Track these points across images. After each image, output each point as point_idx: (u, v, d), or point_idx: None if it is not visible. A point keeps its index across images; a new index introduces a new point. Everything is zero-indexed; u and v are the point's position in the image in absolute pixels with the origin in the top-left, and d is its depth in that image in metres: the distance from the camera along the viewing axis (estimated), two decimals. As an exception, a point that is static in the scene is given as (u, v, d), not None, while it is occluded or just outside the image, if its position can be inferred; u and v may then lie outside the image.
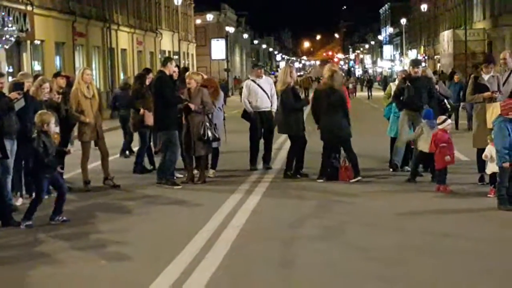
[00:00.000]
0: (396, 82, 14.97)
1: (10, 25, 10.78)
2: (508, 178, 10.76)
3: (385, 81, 63.71)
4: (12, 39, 10.84)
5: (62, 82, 13.73)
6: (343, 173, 13.65)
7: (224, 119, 15.13)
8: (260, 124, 15.45)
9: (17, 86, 12.04)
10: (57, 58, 38.90)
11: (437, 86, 14.69)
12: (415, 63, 14.71)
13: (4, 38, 10.70)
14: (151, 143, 15.88)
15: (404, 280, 7.37)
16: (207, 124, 13.62)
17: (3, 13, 11.52)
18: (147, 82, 15.38)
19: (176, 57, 56.37)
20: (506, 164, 10.53)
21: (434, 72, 23.21)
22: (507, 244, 8.84)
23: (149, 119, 14.65)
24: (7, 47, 10.64)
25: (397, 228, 9.81)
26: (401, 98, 13.88)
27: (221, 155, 15.04)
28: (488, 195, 11.55)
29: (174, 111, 13.48)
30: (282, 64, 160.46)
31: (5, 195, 10.69)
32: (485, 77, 12.95)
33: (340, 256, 8.34)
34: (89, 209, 11.67)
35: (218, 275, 7.60)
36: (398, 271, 7.70)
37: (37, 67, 34.93)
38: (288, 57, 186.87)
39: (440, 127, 12.57)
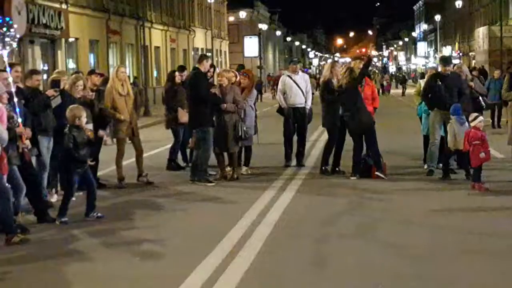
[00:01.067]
0: (426, 79, 14.81)
1: (12, 29, 10.85)
2: None
3: (421, 78, 63.35)
4: (14, 44, 10.90)
5: (96, 79, 13.77)
6: (376, 170, 13.59)
7: (256, 117, 15.11)
8: (293, 120, 15.44)
9: (54, 83, 12.14)
10: (91, 55, 39.15)
11: (472, 83, 14.52)
12: (445, 61, 14.56)
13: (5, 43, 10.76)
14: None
15: (437, 278, 7.31)
16: (239, 121, 13.67)
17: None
18: (183, 79, 15.36)
19: (209, 54, 56.32)
20: None
21: (473, 69, 23.09)
22: None
23: (183, 117, 14.72)
24: (7, 50, 10.68)
25: (431, 226, 9.73)
26: (430, 96, 13.78)
27: (254, 152, 15.04)
28: None
29: (208, 108, 13.50)
30: (315, 61, 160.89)
31: (41, 191, 10.80)
32: None
33: (372, 254, 8.31)
34: (123, 205, 11.75)
35: (250, 273, 7.60)
36: (431, 269, 7.64)
37: (71, 65, 35.20)
38: (321, 54, 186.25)
39: (472, 124, 12.46)
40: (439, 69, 14.26)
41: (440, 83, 13.58)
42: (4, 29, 10.83)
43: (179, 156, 15.60)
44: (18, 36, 11.54)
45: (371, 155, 13.66)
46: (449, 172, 13.15)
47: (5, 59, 10.56)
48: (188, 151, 15.28)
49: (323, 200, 11.76)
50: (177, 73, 15.53)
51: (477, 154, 12.19)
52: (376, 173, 13.39)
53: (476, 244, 8.69)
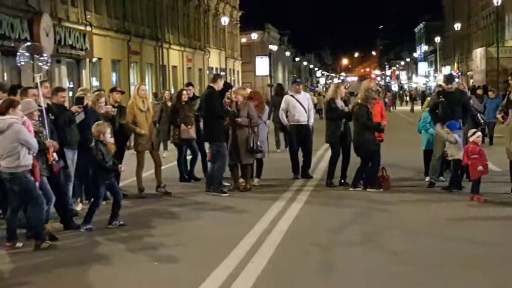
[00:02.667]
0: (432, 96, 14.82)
1: (45, 54, 11.09)
2: None
3: (423, 96, 63.18)
4: (45, 66, 11.12)
5: (117, 96, 13.84)
6: (381, 182, 13.59)
7: (268, 132, 15.14)
8: (297, 136, 15.49)
9: (78, 100, 12.24)
10: (113, 74, 39.29)
11: (471, 101, 14.54)
12: (449, 79, 14.57)
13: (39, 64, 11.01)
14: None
15: (441, 286, 7.31)
16: (253, 135, 13.71)
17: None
18: (189, 94, 15.52)
19: (223, 73, 56.46)
20: None
21: (478, 87, 22.94)
22: None
23: (185, 133, 14.91)
24: (40, 74, 10.93)
25: (434, 235, 9.70)
26: (436, 112, 13.78)
27: (265, 165, 15.05)
28: None
29: (222, 123, 13.57)
30: (322, 80, 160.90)
31: (67, 200, 10.86)
32: None
33: (378, 262, 8.30)
34: (143, 214, 11.78)
35: (262, 278, 7.61)
36: (436, 277, 7.62)
37: (95, 83, 35.32)
38: (327, 73, 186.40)
39: (471, 139, 12.46)
40: (443, 86, 14.27)
41: (443, 99, 13.57)
42: (44, 54, 11.07)
43: (199, 167, 15.64)
44: (50, 61, 11.69)
45: (366, 171, 13.71)
46: (456, 184, 13.13)
47: (38, 80, 10.69)
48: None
49: (330, 211, 11.74)
50: (184, 92, 15.60)
51: (476, 167, 12.19)
52: (368, 189, 13.43)
53: (478, 253, 8.65)
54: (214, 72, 53.60)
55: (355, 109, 13.81)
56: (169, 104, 15.43)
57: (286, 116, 15.64)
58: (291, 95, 15.89)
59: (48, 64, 11.41)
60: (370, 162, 13.63)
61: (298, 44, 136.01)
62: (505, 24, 62.24)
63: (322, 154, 18.66)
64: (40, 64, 11.09)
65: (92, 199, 10.89)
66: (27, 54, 11.00)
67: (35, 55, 11.08)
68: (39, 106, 10.00)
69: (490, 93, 23.32)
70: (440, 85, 15.57)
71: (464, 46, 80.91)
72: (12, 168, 9.10)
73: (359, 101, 13.79)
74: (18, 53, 11.09)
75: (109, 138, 10.71)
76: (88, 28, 34.53)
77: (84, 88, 16.96)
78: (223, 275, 7.68)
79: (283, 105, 15.95)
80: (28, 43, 11.83)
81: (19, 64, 11.28)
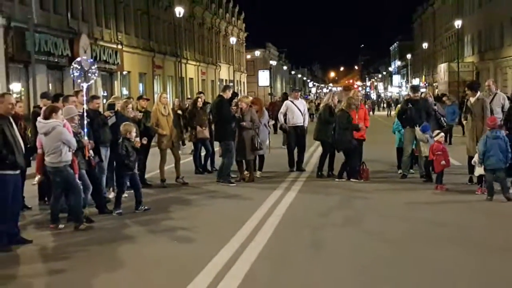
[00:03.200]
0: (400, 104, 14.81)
1: (93, 67, 11.16)
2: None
3: (396, 103, 63.12)
4: (94, 77, 11.19)
5: (143, 103, 13.82)
6: (362, 174, 13.56)
7: (269, 133, 15.14)
8: (294, 136, 15.44)
9: (110, 106, 12.24)
10: (140, 85, 39.35)
11: (436, 107, 14.53)
12: (414, 88, 14.63)
13: (89, 75, 11.08)
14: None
15: (412, 259, 7.30)
16: (255, 136, 13.74)
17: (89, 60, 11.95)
18: (200, 100, 15.42)
19: (231, 84, 56.56)
20: None
21: (443, 95, 22.99)
22: (490, 228, 8.82)
23: (201, 133, 14.90)
24: (88, 83, 11.04)
25: (405, 218, 9.73)
26: (404, 116, 13.77)
27: (266, 159, 15.04)
28: (476, 192, 11.42)
29: (230, 126, 13.56)
30: (313, 90, 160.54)
31: (101, 189, 10.85)
32: (472, 99, 12.80)
33: (359, 240, 8.29)
34: (164, 201, 11.75)
35: (263, 253, 7.60)
36: (407, 252, 7.63)
37: (125, 92, 35.36)
38: (318, 84, 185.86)
39: (435, 139, 12.45)
40: (410, 95, 14.27)
41: (410, 106, 13.58)
42: (93, 67, 11.18)
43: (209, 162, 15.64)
44: (97, 73, 11.77)
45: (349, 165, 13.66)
46: (430, 176, 13.04)
47: (84, 90, 10.82)
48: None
49: (319, 198, 11.71)
50: (199, 99, 15.52)
51: (439, 162, 12.17)
52: (350, 180, 13.41)
53: (442, 232, 8.66)
54: (224, 83, 53.58)
55: (338, 114, 13.81)
56: (179, 111, 15.30)
57: (285, 119, 15.65)
58: (291, 101, 15.89)
59: (96, 75, 11.47)
60: (351, 157, 13.61)
61: (294, 59, 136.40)
62: (464, 43, 62.21)
63: (313, 151, 18.62)
64: (90, 75, 11.17)
65: (118, 188, 10.87)
66: (78, 67, 11.09)
67: (86, 68, 11.17)
68: (79, 111, 10.04)
69: (447, 100, 23.26)
70: (408, 94, 15.56)
71: (430, 61, 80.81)
72: (56, 163, 9.11)
73: (342, 108, 13.82)
74: (72, 67, 11.19)
75: (134, 136, 10.68)
76: (119, 46, 34.66)
77: (115, 96, 17.01)
78: (231, 250, 7.68)
79: (282, 108, 15.94)
80: (79, 59, 11.84)
81: (72, 76, 11.39)
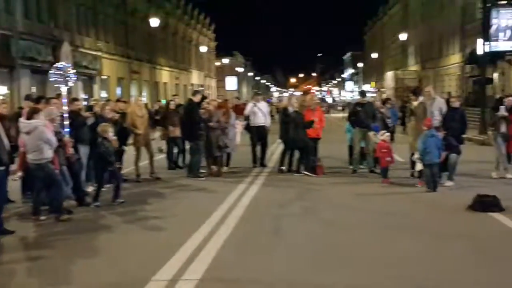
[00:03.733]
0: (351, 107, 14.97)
1: (71, 72, 11.12)
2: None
3: (349, 106, 63.75)
4: (72, 80, 11.12)
5: (121, 105, 13.72)
6: (317, 169, 13.63)
7: (236, 133, 15.14)
8: (257, 134, 15.43)
9: (89, 108, 12.10)
10: (118, 88, 38.94)
11: (383, 110, 14.68)
12: (362, 93, 14.85)
13: (67, 79, 11.02)
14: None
15: (361, 244, 7.36)
16: (222, 135, 13.72)
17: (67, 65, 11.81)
18: (172, 103, 15.57)
19: (202, 88, 56.41)
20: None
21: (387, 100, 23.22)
22: (430, 216, 8.90)
23: (173, 132, 14.91)
24: (67, 87, 10.98)
25: (355, 208, 9.79)
26: (353, 118, 13.87)
27: (232, 157, 15.01)
28: (416, 185, 11.56)
29: (199, 127, 13.51)
30: (276, 94, 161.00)
31: (80, 184, 10.68)
32: (415, 103, 13.03)
33: (314, 227, 8.33)
34: (139, 194, 11.62)
35: (229, 239, 7.60)
36: (357, 238, 7.69)
37: (104, 95, 34.95)
38: (279, 89, 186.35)
39: (381, 138, 12.59)
40: (359, 99, 14.43)
41: (359, 109, 13.72)
42: (71, 72, 11.06)
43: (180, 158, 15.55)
44: (75, 77, 11.63)
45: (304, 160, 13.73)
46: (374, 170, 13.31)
47: (64, 93, 10.65)
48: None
49: (279, 190, 11.71)
50: (171, 102, 15.65)
51: (385, 158, 12.30)
52: (304, 172, 13.49)
53: (388, 220, 8.74)
54: (195, 87, 53.37)
55: (293, 115, 13.87)
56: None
57: (249, 120, 15.62)
58: (254, 103, 15.87)
59: (74, 79, 11.32)
60: (306, 153, 13.66)
61: (258, 67, 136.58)
62: (408, 54, 63.18)
63: (274, 148, 18.64)
64: (68, 79, 11.02)
65: (98, 183, 10.71)
66: (57, 72, 10.91)
67: (64, 73, 11.01)
68: (60, 112, 9.89)
69: (387, 104, 23.50)
70: (358, 99, 15.75)
71: (379, 69, 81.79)
72: (37, 160, 8.96)
73: (296, 109, 13.91)
74: (50, 72, 10.98)
75: (111, 136, 10.54)
76: (99, 53, 34.34)
77: (94, 98, 16.84)
78: (200, 237, 7.65)
79: (246, 111, 15.92)
80: (58, 64, 11.66)
81: (52, 80, 11.20)
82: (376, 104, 14.63)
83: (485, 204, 9.09)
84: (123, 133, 12.67)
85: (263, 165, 15.26)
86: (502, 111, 12.44)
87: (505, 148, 12.51)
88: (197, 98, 13.89)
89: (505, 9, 30.67)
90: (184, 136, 14.42)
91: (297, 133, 13.62)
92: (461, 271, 6.11)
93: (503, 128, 12.41)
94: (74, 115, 10.91)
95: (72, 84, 11.74)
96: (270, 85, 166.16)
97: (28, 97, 12.22)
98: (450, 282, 5.82)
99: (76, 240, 7.94)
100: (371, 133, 13.13)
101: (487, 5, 27.56)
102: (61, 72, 10.90)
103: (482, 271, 6.10)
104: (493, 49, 29.52)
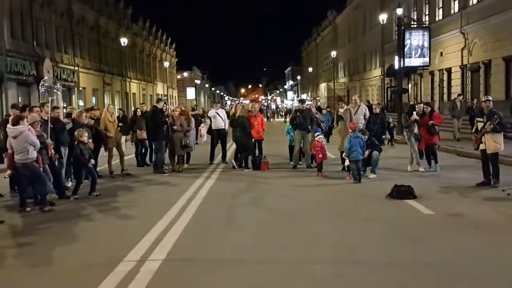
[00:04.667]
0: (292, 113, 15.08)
1: (57, 85, 10.99)
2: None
3: (289, 112, 64.13)
4: (58, 92, 11.01)
5: (95, 112, 13.50)
6: (263, 165, 13.71)
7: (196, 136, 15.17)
8: (217, 136, 15.44)
9: (68, 115, 11.85)
10: (93, 98, 38.14)
11: (318, 115, 14.89)
12: (301, 101, 15.00)
13: (54, 91, 10.88)
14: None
15: (299, 228, 7.42)
16: (184, 137, 13.66)
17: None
18: (143, 109, 15.58)
19: (165, 97, 55.98)
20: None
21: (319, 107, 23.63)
22: (357, 204, 8.98)
23: (140, 135, 14.76)
24: (52, 97, 10.85)
25: (295, 197, 9.87)
26: (294, 122, 14.05)
27: (192, 155, 14.95)
28: (346, 178, 11.75)
29: (162, 129, 13.40)
30: (229, 102, 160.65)
31: (61, 179, 10.47)
32: (341, 110, 13.31)
33: (261, 215, 8.37)
34: (112, 188, 11.46)
35: (189, 227, 7.56)
36: (297, 224, 7.76)
37: (81, 103, 34.24)
38: (232, 98, 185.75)
39: (316, 139, 12.78)
40: (298, 106, 14.59)
41: (299, 114, 13.87)
42: (57, 85, 10.96)
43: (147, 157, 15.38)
44: (60, 89, 11.48)
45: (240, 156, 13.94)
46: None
47: (49, 103, 10.48)
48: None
49: (232, 184, 11.73)
50: (138, 109, 15.62)
51: (319, 155, 12.49)
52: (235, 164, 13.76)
53: (322, 207, 8.83)
54: (160, 97, 52.78)
55: (238, 119, 13.93)
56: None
57: (211, 124, 15.63)
58: (214, 110, 15.86)
59: (60, 90, 11.16)
60: (247, 151, 13.78)
61: (214, 79, 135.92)
62: (338, 68, 64.17)
63: (228, 148, 18.64)
64: (55, 90, 10.91)
65: (76, 180, 10.52)
66: (46, 84, 10.79)
67: (52, 85, 10.89)
68: (42, 119, 9.68)
69: (323, 110, 23.90)
70: (297, 106, 15.91)
71: (314, 81, 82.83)
72: (24, 160, 8.77)
73: (240, 115, 13.98)
74: (40, 84, 10.88)
75: (86, 139, 10.39)
76: (76, 68, 33.62)
77: (72, 107, 16.51)
78: (164, 224, 7.60)
79: (209, 115, 15.98)
80: (45, 78, 11.50)
81: (42, 90, 11.07)
82: (313, 110, 14.84)
83: (402, 192, 9.24)
84: (97, 136, 12.46)
85: (224, 162, 15.26)
86: (415, 116, 12.80)
87: (418, 146, 12.88)
88: (160, 105, 13.83)
89: (416, 31, 31.58)
90: (150, 137, 14.29)
91: (241, 134, 13.73)
92: (380, 249, 6.19)
93: (415, 129, 12.77)
94: (55, 121, 10.66)
95: (60, 94, 11.60)
96: (224, 95, 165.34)
97: (14, 106, 11.93)
98: (370, 260, 5.88)
99: (58, 227, 7.78)
100: (316, 134, 13.26)
101: (402, 28, 28.33)
102: (49, 85, 10.76)
103: (397, 249, 6.19)
104: (407, 65, 30.32)
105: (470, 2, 28.91)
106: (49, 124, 10.01)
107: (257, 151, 14.39)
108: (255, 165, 13.75)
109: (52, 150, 9.82)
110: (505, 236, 6.68)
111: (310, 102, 22.97)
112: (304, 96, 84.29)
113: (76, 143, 10.22)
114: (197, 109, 36.21)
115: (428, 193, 9.58)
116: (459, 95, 17.67)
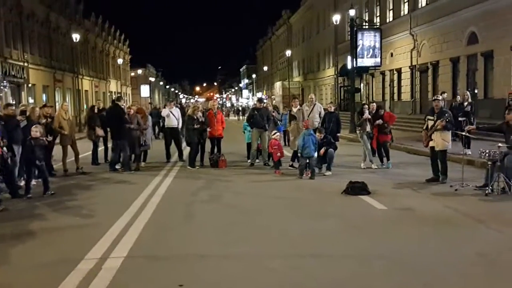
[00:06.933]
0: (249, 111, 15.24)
1: (4, 82, 10.71)
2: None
3: (244, 110, 64.29)
4: (5, 89, 10.74)
5: (47, 110, 13.19)
6: (221, 163, 13.78)
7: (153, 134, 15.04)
8: (170, 135, 15.36)
9: (22, 112, 11.56)
10: (44, 95, 37.09)
11: (274, 114, 15.07)
12: (259, 100, 15.14)
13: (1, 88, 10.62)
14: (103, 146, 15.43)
15: (257, 223, 7.52)
16: (141, 135, 13.58)
17: None
18: (99, 106, 15.58)
19: (119, 95, 54.96)
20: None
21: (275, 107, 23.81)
22: (312, 200, 9.13)
23: (98, 132, 14.53)
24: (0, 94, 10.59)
25: (252, 194, 9.96)
26: (251, 120, 14.17)
27: (148, 154, 14.85)
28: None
29: (123, 128, 13.23)
30: (184, 100, 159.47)
31: (14, 178, 10.20)
32: (294, 109, 13.58)
33: (220, 211, 8.44)
34: (67, 186, 11.26)
35: (149, 224, 7.55)
36: (255, 219, 7.85)
37: (31, 100, 33.10)
38: (186, 96, 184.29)
39: (273, 137, 12.96)
40: (255, 104, 14.75)
41: (256, 113, 14.02)
42: (4, 82, 10.55)
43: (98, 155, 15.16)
44: (7, 85, 11.12)
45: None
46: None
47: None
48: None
49: (190, 181, 11.75)
50: (95, 106, 15.51)
51: (276, 153, 12.67)
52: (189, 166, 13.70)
53: (279, 202, 8.94)
54: (114, 95, 51.90)
55: (187, 118, 13.95)
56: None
57: (164, 122, 15.55)
58: (168, 109, 15.74)
59: (7, 87, 10.80)
60: (193, 149, 13.84)
61: (168, 77, 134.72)
62: (293, 67, 64.81)
63: (184, 147, 18.59)
64: (2, 87, 10.56)
65: (27, 177, 10.27)
66: None
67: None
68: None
69: (282, 110, 24.11)
70: (255, 104, 16.08)
71: (269, 80, 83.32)
72: (-25, 158, 8.47)
73: (189, 114, 14.01)
74: None
75: (39, 134, 10.15)
76: (25, 64, 32.56)
77: (24, 104, 16.02)
78: (124, 222, 7.55)
79: (163, 114, 15.81)
80: None
81: None
82: (269, 109, 15.02)
83: (356, 189, 9.50)
84: (51, 134, 12.18)
85: (181, 160, 15.19)
86: (367, 114, 13.15)
87: (370, 144, 13.25)
88: (120, 103, 13.73)
89: (368, 32, 32.37)
90: (113, 136, 13.97)
91: (191, 133, 13.78)
92: (336, 243, 6.36)
93: (368, 128, 13.13)
94: (8, 119, 10.38)
95: (7, 91, 11.23)
96: (179, 93, 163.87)
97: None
98: (327, 253, 6.05)
99: (12, 227, 7.58)
100: (272, 132, 13.37)
101: (354, 28, 28.99)
102: None
103: (352, 242, 6.39)
104: (360, 65, 31.08)
105: (419, 5, 29.89)
106: (1, 121, 9.74)
107: (215, 149, 14.46)
108: (212, 163, 13.79)
109: (5, 149, 9.57)
110: (450, 229, 7.02)
111: (266, 101, 23.17)
112: (259, 95, 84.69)
113: (29, 139, 9.97)
114: (151, 106, 35.97)
115: (381, 189, 9.89)
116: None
